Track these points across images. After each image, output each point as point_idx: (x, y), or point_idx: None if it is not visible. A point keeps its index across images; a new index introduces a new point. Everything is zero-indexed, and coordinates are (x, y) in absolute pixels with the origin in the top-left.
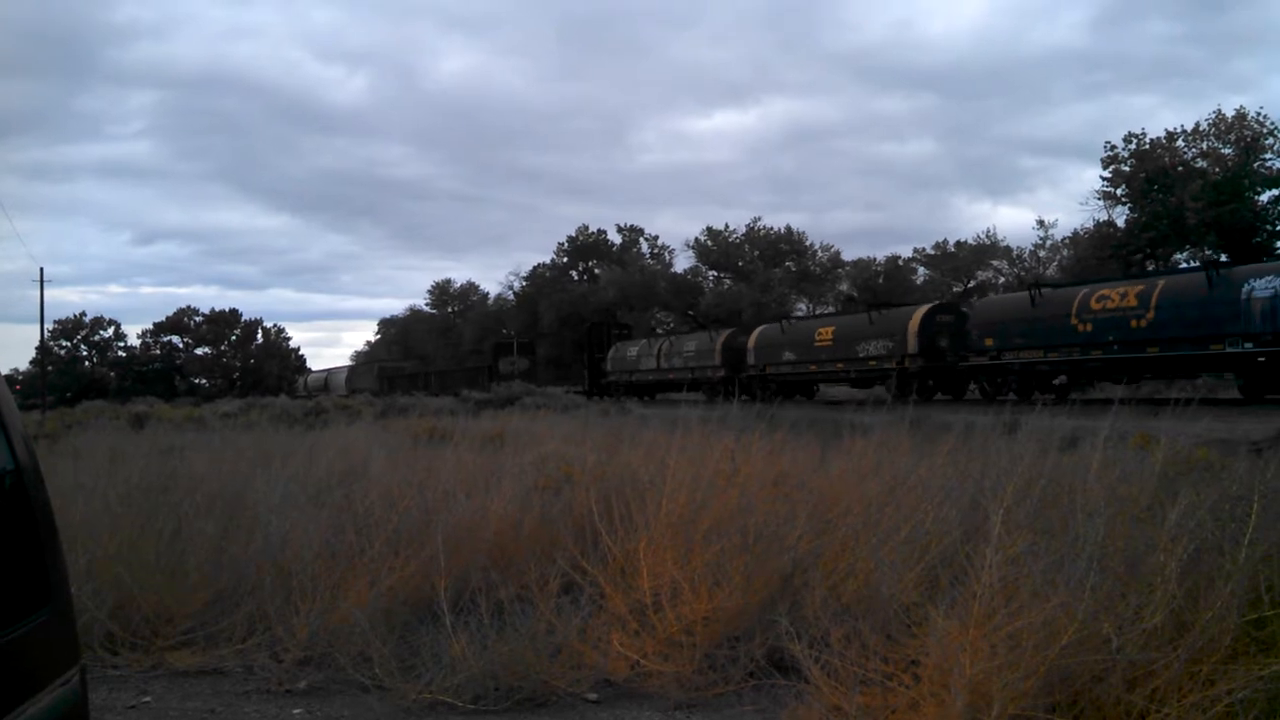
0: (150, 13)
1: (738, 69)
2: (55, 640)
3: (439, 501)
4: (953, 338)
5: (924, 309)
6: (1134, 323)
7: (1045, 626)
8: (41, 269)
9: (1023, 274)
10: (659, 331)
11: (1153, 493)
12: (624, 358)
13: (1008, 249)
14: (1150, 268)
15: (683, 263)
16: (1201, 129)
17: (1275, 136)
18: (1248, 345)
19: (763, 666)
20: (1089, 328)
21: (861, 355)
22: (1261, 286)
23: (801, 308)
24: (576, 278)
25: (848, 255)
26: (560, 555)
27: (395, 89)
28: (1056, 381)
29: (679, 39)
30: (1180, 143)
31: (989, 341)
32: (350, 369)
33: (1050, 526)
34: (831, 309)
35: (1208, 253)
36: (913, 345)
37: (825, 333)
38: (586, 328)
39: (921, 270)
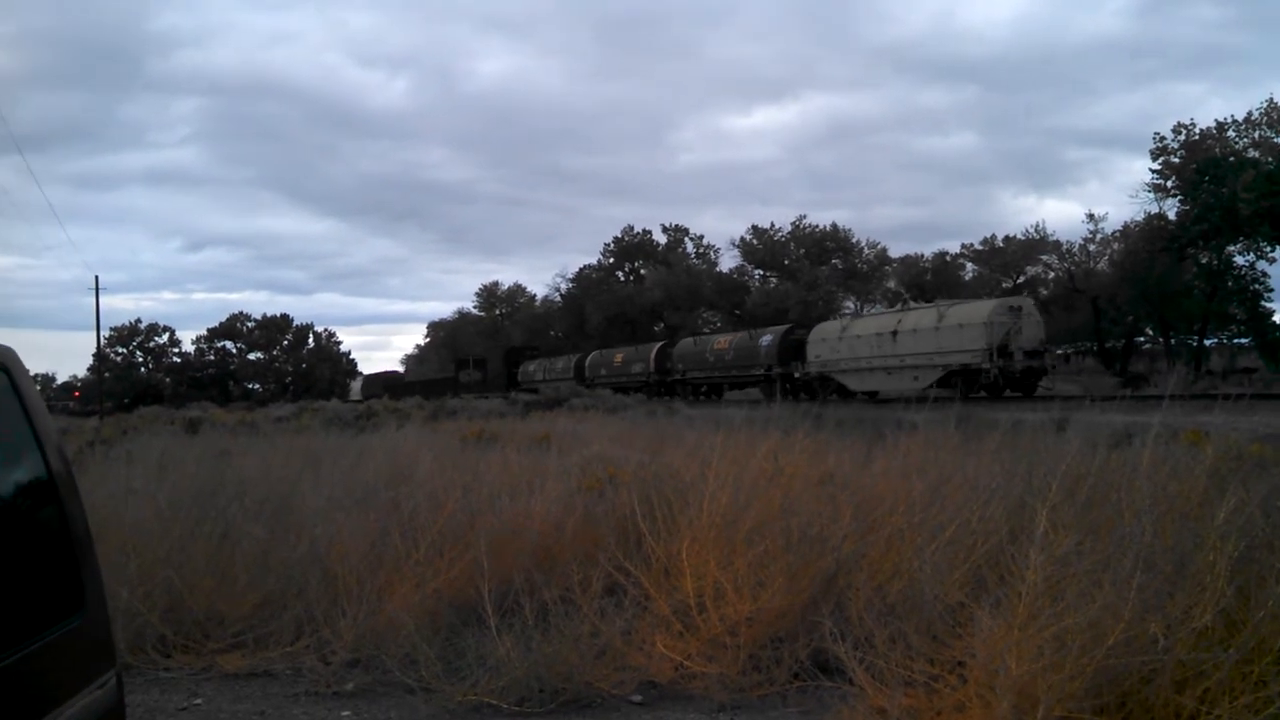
0: (190, 20)
1: (776, 65)
2: (89, 645)
3: (484, 504)
4: (672, 363)
5: (658, 346)
6: (727, 358)
7: (1091, 627)
8: (97, 277)
9: (1073, 268)
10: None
11: (1203, 490)
12: (527, 372)
13: (1057, 243)
14: (1203, 260)
15: (728, 262)
16: (1253, 118)
17: None
18: (761, 371)
19: (807, 668)
20: (713, 359)
21: (633, 372)
22: (765, 341)
23: (850, 305)
24: (622, 278)
25: (894, 252)
26: (603, 557)
27: (435, 92)
28: (703, 390)
29: (717, 36)
30: (1231, 133)
31: (680, 366)
32: (364, 379)
33: (1097, 525)
34: (878, 307)
35: (1261, 244)
36: (652, 367)
37: (618, 358)
38: (505, 351)
39: (970, 266)
